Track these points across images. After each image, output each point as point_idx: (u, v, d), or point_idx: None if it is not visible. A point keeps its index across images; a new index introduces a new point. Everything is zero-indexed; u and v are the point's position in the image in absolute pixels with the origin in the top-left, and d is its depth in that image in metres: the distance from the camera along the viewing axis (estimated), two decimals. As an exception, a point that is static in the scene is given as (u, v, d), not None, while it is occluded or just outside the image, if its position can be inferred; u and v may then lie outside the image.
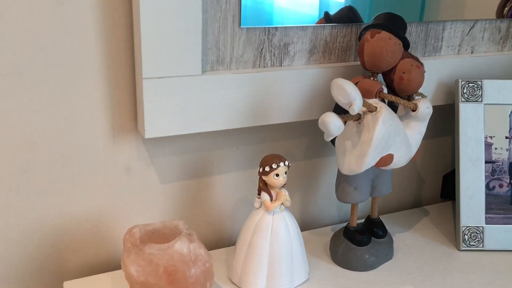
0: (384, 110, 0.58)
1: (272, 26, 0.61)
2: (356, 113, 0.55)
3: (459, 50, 0.74)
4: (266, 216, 0.59)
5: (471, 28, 0.73)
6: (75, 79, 0.56)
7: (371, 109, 0.58)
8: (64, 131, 0.57)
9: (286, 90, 0.63)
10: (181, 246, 0.52)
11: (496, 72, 0.75)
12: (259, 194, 0.59)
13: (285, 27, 0.62)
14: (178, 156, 0.64)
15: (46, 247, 0.60)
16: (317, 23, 0.64)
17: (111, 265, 0.64)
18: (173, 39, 0.55)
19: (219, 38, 0.59)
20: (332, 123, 0.55)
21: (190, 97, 0.58)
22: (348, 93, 0.54)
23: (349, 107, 0.55)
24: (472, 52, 0.75)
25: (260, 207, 0.60)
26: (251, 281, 0.59)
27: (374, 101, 0.59)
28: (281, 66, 0.63)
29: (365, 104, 0.57)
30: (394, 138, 0.59)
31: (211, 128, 0.61)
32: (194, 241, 0.54)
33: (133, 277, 0.52)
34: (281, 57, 0.63)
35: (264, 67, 0.63)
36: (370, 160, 0.58)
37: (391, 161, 0.60)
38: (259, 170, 0.58)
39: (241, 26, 0.60)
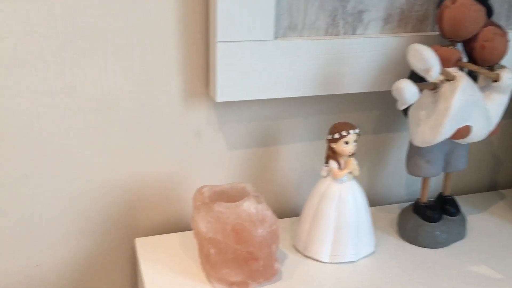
0: (463, 79, 0.55)
1: (346, -8, 0.60)
2: (433, 79, 0.53)
3: (546, 23, 0.69)
4: (333, 184, 0.58)
5: (562, -1, 0.68)
6: (151, 42, 0.58)
7: (449, 78, 0.55)
8: (139, 94, 0.59)
9: (359, 59, 0.62)
10: (249, 205, 0.52)
11: None
12: (326, 162, 0.59)
13: (360, -6, 0.61)
14: (247, 123, 0.65)
15: (120, 204, 0.63)
16: (393, -10, 0.62)
17: (179, 226, 0.66)
18: (247, 3, 0.55)
19: (292, 3, 0.59)
20: (407, 89, 0.53)
21: (261, 63, 0.58)
22: (426, 58, 0.53)
23: (426, 73, 0.53)
24: (561, 25, 0.70)
25: (327, 175, 0.59)
26: (316, 248, 0.59)
27: (452, 70, 0.56)
28: (354, 34, 0.62)
29: (443, 72, 0.55)
30: (472, 109, 0.56)
31: (281, 95, 0.61)
32: (262, 202, 0.54)
33: (202, 233, 0.53)
34: (355, 25, 0.62)
35: (336, 34, 0.62)
36: (446, 131, 0.56)
37: (468, 133, 0.57)
38: (327, 137, 0.58)
39: (315, -8, 0.59)
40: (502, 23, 0.67)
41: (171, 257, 0.59)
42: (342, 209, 0.58)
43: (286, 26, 0.60)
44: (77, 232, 0.63)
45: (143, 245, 0.61)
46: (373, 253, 0.61)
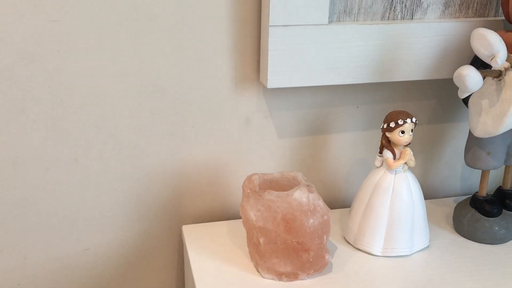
0: (531, 66, 0.52)
1: (405, -26, 0.57)
2: (499, 66, 0.50)
3: None
4: (387, 175, 0.56)
5: None
6: (202, 26, 0.57)
7: (516, 65, 0.52)
8: (190, 78, 0.59)
9: (416, 45, 0.59)
10: (300, 195, 0.51)
11: None
12: (380, 152, 0.56)
13: (420, -24, 0.58)
14: (297, 110, 0.63)
15: (167, 190, 0.63)
16: (455, -28, 0.59)
17: (226, 214, 0.66)
18: (301, -15, 0.54)
19: (348, -14, 0.57)
20: (470, 77, 0.50)
21: (314, 48, 0.56)
22: (492, 43, 0.50)
23: (491, 59, 0.50)
24: None
25: (381, 165, 0.57)
26: (367, 241, 0.57)
27: (519, 56, 0.53)
28: (412, 19, 0.59)
29: (508, 59, 0.52)
30: (540, 98, 0.53)
31: (334, 82, 0.59)
32: (313, 192, 0.53)
33: (251, 221, 0.52)
34: (413, 9, 0.59)
35: (393, 19, 0.59)
36: (510, 121, 0.52)
37: (535, 124, 0.54)
38: (382, 126, 0.55)
39: (372, -26, 0.57)
40: None
41: (218, 245, 0.58)
42: (397, 201, 0.55)
43: (341, 10, 0.57)
44: (125, 217, 0.63)
45: (190, 232, 0.61)
46: (427, 247, 0.58)
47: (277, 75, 0.57)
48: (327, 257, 0.53)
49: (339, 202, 0.69)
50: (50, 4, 0.52)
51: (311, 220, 0.51)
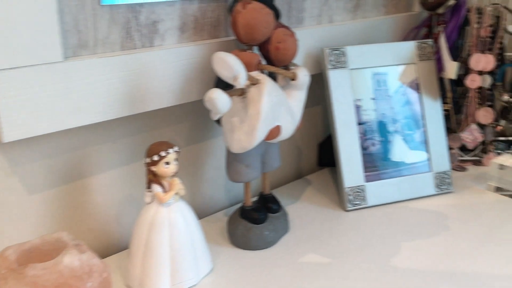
0: (267, 81, 0.57)
1: (136, 2, 0.56)
2: (242, 85, 0.53)
3: (319, 20, 0.76)
4: (160, 210, 0.54)
5: (327, -2, 0.76)
6: None
7: (254, 82, 0.56)
8: None
9: (160, 71, 0.58)
10: (71, 259, 0.45)
11: (352, 39, 0.79)
12: (149, 187, 0.54)
13: (151, 3, 0.57)
14: (47, 159, 0.55)
15: None
16: (184, -2, 0.60)
17: (-21, 302, 0.53)
18: (24, 21, 0.47)
19: (78, 18, 0.52)
20: (219, 99, 0.52)
21: (52, 89, 0.50)
22: (231, 65, 0.52)
23: (235, 81, 0.53)
24: (331, 22, 0.78)
25: (152, 201, 0.54)
26: (153, 282, 0.54)
27: (255, 74, 0.57)
28: (152, 46, 0.58)
29: (249, 77, 0.55)
30: (279, 108, 0.58)
31: (82, 123, 0.53)
32: (85, 251, 0.47)
33: (16, 308, 0.43)
34: (151, 36, 0.58)
35: (133, 48, 0.57)
36: (260, 134, 0.56)
37: (279, 133, 0.59)
38: (146, 161, 0.53)
39: (101, 4, 0.53)
40: (284, 22, 0.72)
41: None
42: (175, 234, 0.54)
43: (75, 44, 0.52)
44: None
45: None
46: (212, 270, 0.59)
47: (14, 125, 0.49)
48: (115, 316, 0.48)
49: (114, 247, 0.63)
50: None
51: (89, 284, 0.45)
